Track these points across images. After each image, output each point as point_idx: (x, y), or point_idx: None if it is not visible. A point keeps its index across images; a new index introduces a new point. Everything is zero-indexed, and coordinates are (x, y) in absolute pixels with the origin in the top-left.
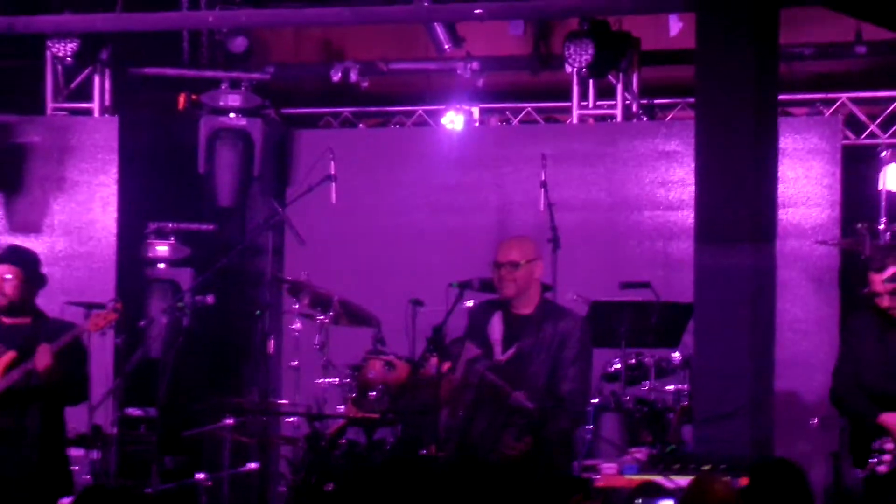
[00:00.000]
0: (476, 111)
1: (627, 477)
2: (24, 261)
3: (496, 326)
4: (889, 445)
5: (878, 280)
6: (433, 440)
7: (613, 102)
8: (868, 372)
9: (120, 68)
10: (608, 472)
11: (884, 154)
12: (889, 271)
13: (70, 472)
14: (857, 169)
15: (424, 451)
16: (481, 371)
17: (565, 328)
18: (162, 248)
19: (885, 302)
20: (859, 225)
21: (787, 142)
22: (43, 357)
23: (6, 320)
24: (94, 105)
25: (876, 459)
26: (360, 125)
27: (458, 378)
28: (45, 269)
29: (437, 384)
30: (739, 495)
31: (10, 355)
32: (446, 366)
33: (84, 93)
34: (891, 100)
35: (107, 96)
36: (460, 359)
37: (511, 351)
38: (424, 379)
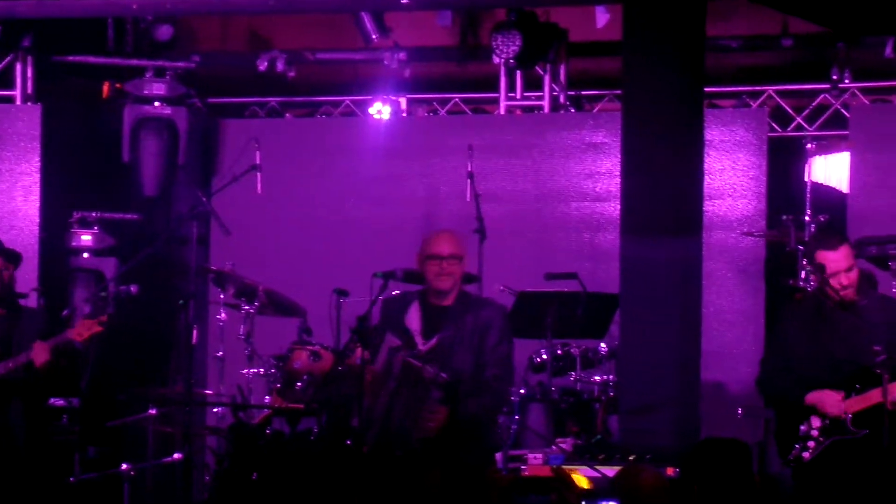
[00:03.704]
0: (403, 101)
1: (553, 467)
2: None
3: (414, 317)
4: (815, 433)
5: (833, 259)
6: (358, 430)
7: (541, 94)
8: (799, 361)
9: (43, 55)
10: (534, 463)
11: (809, 146)
12: (842, 250)
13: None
14: (783, 161)
15: (350, 441)
16: (403, 358)
17: (486, 317)
18: (86, 238)
19: (842, 281)
20: (785, 217)
21: (713, 134)
22: (40, 353)
23: None
24: (17, 92)
25: (800, 446)
26: (287, 115)
27: (380, 367)
28: None
29: (361, 374)
30: (670, 483)
31: None
32: (367, 354)
33: (6, 80)
34: (817, 92)
35: (29, 84)
36: (381, 349)
37: (432, 341)
38: (349, 369)
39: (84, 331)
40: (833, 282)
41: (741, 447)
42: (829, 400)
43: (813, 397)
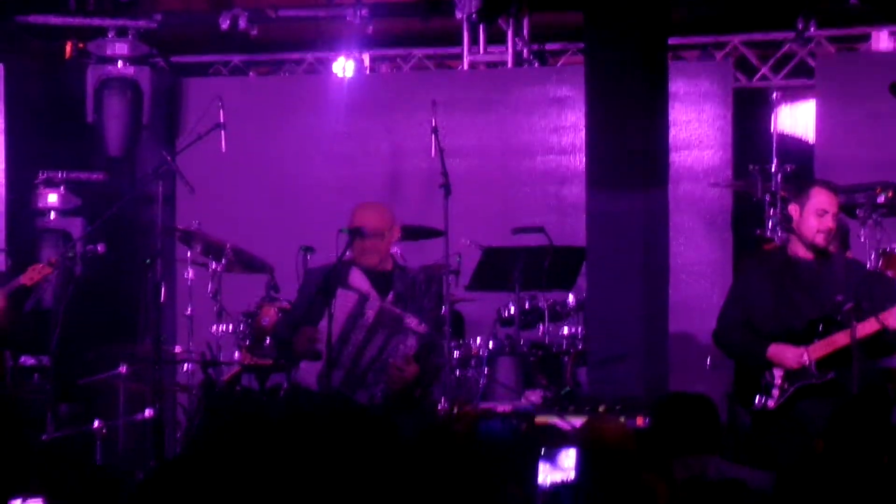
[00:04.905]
0: (367, 58)
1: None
2: None
3: (359, 279)
4: (778, 381)
5: (827, 197)
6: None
7: (504, 48)
8: (761, 315)
9: (4, 16)
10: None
11: (775, 96)
12: (836, 196)
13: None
14: (748, 111)
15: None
16: (381, 306)
17: (428, 278)
18: (52, 198)
19: (827, 222)
20: (751, 167)
21: (678, 85)
22: None
23: None
24: None
25: (764, 395)
26: (251, 73)
27: (344, 317)
28: None
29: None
30: (636, 434)
31: None
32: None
33: None
34: (782, 42)
35: None
36: (336, 306)
37: (391, 296)
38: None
39: (35, 275)
40: (815, 221)
41: (706, 403)
42: (790, 354)
43: (774, 351)
